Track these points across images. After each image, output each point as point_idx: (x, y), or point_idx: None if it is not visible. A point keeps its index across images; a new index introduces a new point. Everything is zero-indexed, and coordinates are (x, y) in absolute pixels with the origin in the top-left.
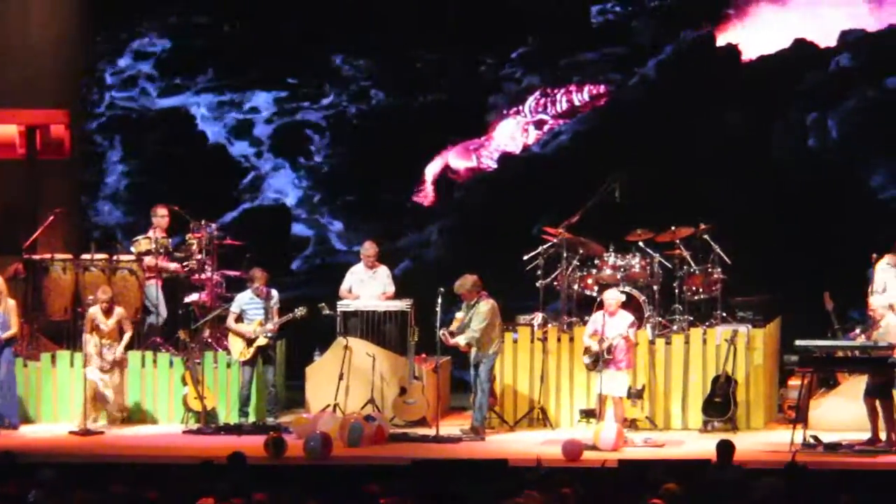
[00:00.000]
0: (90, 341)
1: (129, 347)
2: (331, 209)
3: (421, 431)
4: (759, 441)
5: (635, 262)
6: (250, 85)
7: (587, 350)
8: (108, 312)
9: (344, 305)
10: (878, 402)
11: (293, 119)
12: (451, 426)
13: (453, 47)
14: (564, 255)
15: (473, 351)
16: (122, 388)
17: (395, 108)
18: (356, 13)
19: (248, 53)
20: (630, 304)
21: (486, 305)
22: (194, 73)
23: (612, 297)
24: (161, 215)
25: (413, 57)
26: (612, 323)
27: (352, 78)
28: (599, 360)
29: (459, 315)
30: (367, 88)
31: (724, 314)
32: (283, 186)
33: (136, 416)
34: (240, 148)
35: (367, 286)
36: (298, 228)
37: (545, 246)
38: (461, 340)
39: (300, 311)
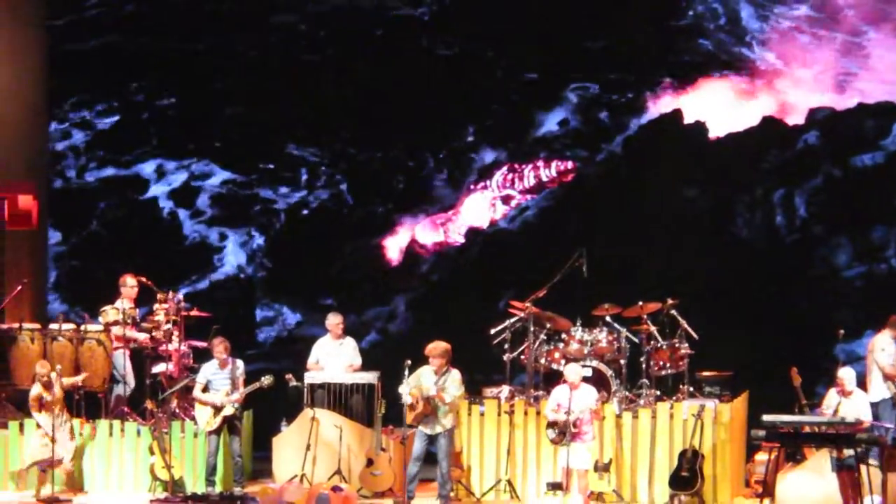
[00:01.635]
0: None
1: (96, 416)
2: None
3: (387, 502)
4: None
5: (602, 336)
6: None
7: (551, 424)
8: (48, 386)
9: (311, 377)
10: (844, 476)
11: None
12: (417, 498)
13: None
14: (531, 329)
15: (436, 426)
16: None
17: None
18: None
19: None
20: (597, 378)
21: (458, 374)
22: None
23: (574, 371)
24: (130, 285)
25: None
26: (576, 396)
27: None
28: (566, 434)
29: (424, 383)
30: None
31: (692, 389)
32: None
33: (106, 483)
34: (194, 223)
35: (334, 358)
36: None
37: (512, 320)
38: (447, 397)
39: (266, 380)
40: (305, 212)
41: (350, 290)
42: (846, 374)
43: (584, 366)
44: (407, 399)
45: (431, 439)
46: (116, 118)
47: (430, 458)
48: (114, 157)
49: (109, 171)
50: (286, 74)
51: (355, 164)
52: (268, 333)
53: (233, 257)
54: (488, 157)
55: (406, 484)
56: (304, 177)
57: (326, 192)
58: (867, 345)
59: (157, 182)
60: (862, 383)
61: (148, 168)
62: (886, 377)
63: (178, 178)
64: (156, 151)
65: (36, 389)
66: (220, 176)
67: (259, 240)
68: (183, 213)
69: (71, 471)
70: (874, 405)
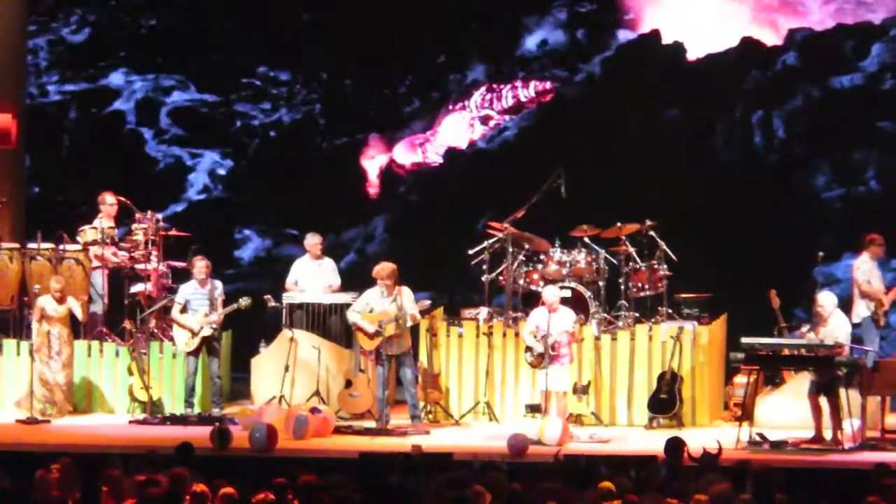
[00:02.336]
0: (38, 330)
1: (74, 337)
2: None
3: (366, 424)
4: (705, 438)
5: (581, 257)
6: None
7: (528, 348)
8: (60, 301)
9: (289, 297)
10: (823, 401)
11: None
12: (394, 419)
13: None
14: (510, 250)
15: (401, 346)
16: (70, 382)
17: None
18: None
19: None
20: (575, 299)
21: (409, 290)
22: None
23: (552, 293)
24: (110, 203)
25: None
26: (555, 319)
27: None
28: (545, 357)
29: (379, 307)
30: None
31: (670, 311)
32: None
33: (81, 405)
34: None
35: (313, 279)
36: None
37: (490, 241)
38: (417, 315)
39: (244, 301)
40: (274, 133)
41: (328, 210)
42: (823, 298)
43: (562, 287)
44: (368, 326)
45: (398, 360)
46: (87, 32)
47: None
48: (79, 72)
49: (76, 87)
50: None
51: (330, 85)
52: (246, 253)
53: (203, 177)
54: (468, 76)
55: (382, 408)
56: (279, 97)
57: (300, 112)
58: (848, 267)
59: (125, 99)
60: (847, 306)
61: (115, 81)
62: (863, 295)
63: (149, 96)
64: (124, 65)
65: (43, 300)
66: (191, 95)
67: (230, 161)
68: (150, 132)
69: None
70: (856, 325)
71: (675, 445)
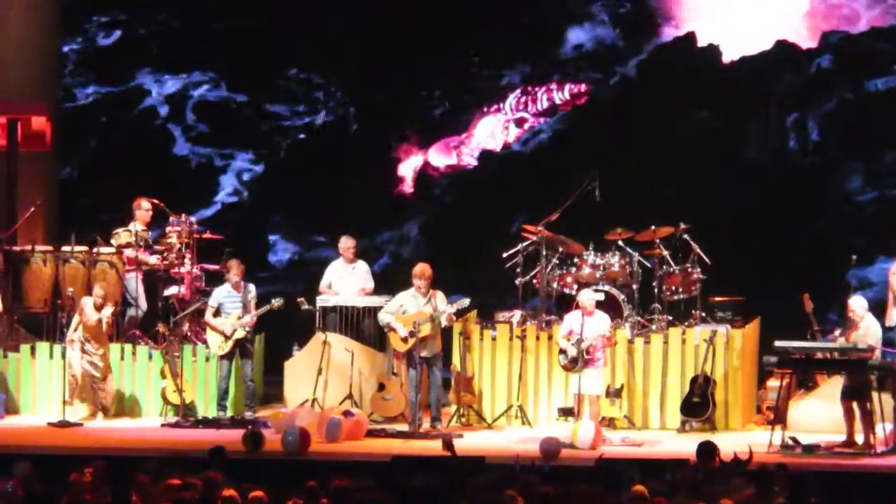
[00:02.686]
0: (75, 327)
1: (109, 340)
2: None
3: (399, 427)
4: (737, 441)
5: (615, 260)
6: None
7: (563, 351)
8: (98, 308)
9: (323, 300)
10: (855, 405)
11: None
12: (428, 422)
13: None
14: (544, 252)
15: (433, 348)
16: (110, 385)
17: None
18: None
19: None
20: (609, 303)
21: (443, 295)
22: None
23: (588, 297)
24: (145, 209)
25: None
26: (590, 323)
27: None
28: (578, 361)
29: (413, 308)
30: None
31: (703, 314)
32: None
33: (114, 407)
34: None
35: (347, 282)
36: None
37: (524, 244)
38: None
39: (276, 302)
40: (306, 135)
41: (363, 213)
42: (855, 302)
43: (595, 290)
44: (401, 329)
45: (428, 363)
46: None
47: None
48: (108, 74)
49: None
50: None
51: (363, 88)
52: (280, 256)
53: (233, 179)
54: (503, 79)
55: (414, 412)
56: (315, 100)
57: (333, 115)
58: (881, 270)
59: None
60: (882, 309)
61: (145, 82)
62: None
63: (179, 94)
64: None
65: (86, 300)
66: (222, 93)
67: (262, 164)
68: (179, 131)
69: (103, 394)
70: (889, 330)
71: (707, 449)
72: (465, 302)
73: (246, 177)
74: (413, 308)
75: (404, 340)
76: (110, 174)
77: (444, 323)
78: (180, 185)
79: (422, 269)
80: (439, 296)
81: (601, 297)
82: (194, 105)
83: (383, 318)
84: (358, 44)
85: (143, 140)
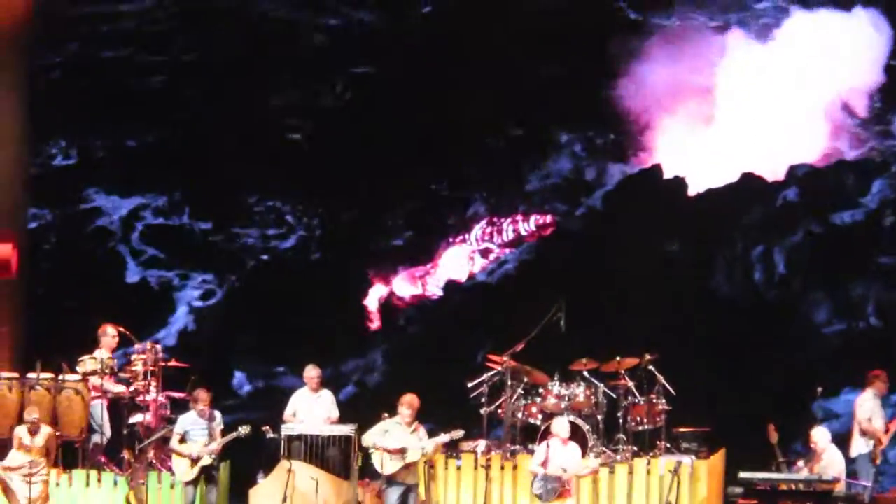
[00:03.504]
0: (15, 458)
1: (72, 467)
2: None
3: None
4: None
5: (580, 391)
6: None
7: (544, 477)
8: (34, 432)
9: (288, 429)
10: None
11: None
12: None
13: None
14: (509, 382)
15: (413, 477)
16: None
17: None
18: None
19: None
20: (574, 433)
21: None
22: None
23: (564, 426)
24: (111, 335)
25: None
26: (567, 451)
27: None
28: (553, 491)
29: (396, 437)
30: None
31: (668, 445)
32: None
33: None
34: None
35: (312, 410)
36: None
37: (490, 374)
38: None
39: (244, 430)
40: (271, 259)
41: (327, 342)
42: (817, 433)
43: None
44: (392, 445)
45: (405, 491)
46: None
47: None
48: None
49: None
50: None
51: (327, 215)
52: (244, 385)
53: (195, 302)
54: (468, 210)
55: None
56: (276, 227)
57: (292, 240)
58: (847, 402)
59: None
60: (846, 440)
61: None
62: (863, 432)
63: (136, 218)
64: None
65: (20, 430)
66: (183, 220)
67: (221, 290)
68: (136, 258)
69: None
70: (852, 461)
71: None
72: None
73: (206, 303)
74: (398, 434)
75: (397, 452)
76: (69, 297)
77: (430, 452)
78: (138, 308)
79: (410, 399)
80: (422, 429)
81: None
82: (151, 229)
83: (368, 439)
84: (322, 170)
85: (96, 262)
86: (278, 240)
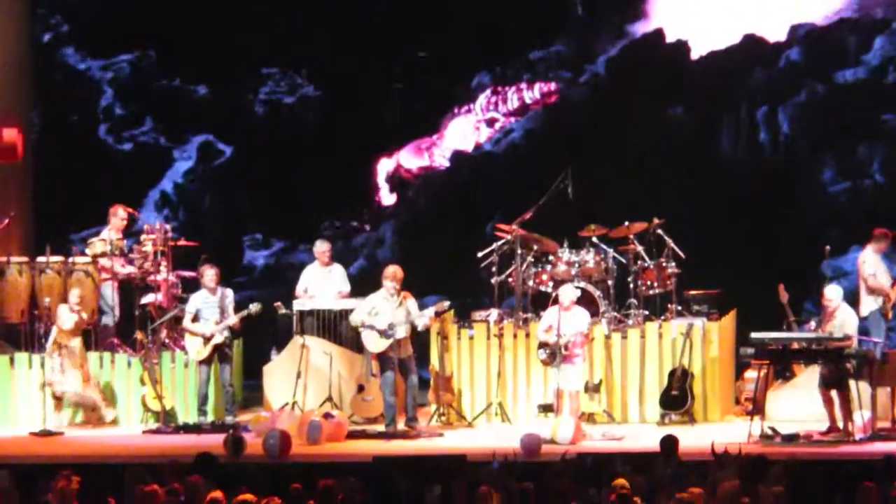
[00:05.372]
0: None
1: (87, 348)
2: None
3: (379, 428)
4: (717, 433)
5: (589, 257)
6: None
7: (543, 345)
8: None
9: (300, 305)
10: (833, 393)
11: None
12: (403, 423)
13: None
14: (518, 251)
15: (407, 349)
16: (91, 385)
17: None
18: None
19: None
20: (585, 299)
21: (413, 299)
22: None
23: (568, 293)
24: (121, 217)
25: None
26: (567, 318)
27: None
28: (557, 356)
29: (387, 311)
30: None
31: (680, 308)
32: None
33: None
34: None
35: (323, 285)
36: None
37: (499, 243)
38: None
39: (254, 307)
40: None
41: (337, 216)
42: (830, 291)
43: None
44: (378, 324)
45: (402, 364)
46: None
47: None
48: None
49: None
50: None
51: (336, 86)
52: (255, 261)
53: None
54: (473, 80)
55: (392, 413)
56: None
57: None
58: (855, 260)
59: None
60: (855, 299)
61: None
62: (869, 290)
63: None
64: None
65: (63, 307)
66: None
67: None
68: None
69: (86, 401)
70: (864, 319)
71: (668, 444)
72: (445, 304)
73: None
74: (385, 309)
75: (381, 334)
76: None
77: (421, 327)
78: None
79: (393, 271)
80: (410, 299)
81: (579, 293)
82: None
83: (356, 318)
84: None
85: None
86: (285, 110)
